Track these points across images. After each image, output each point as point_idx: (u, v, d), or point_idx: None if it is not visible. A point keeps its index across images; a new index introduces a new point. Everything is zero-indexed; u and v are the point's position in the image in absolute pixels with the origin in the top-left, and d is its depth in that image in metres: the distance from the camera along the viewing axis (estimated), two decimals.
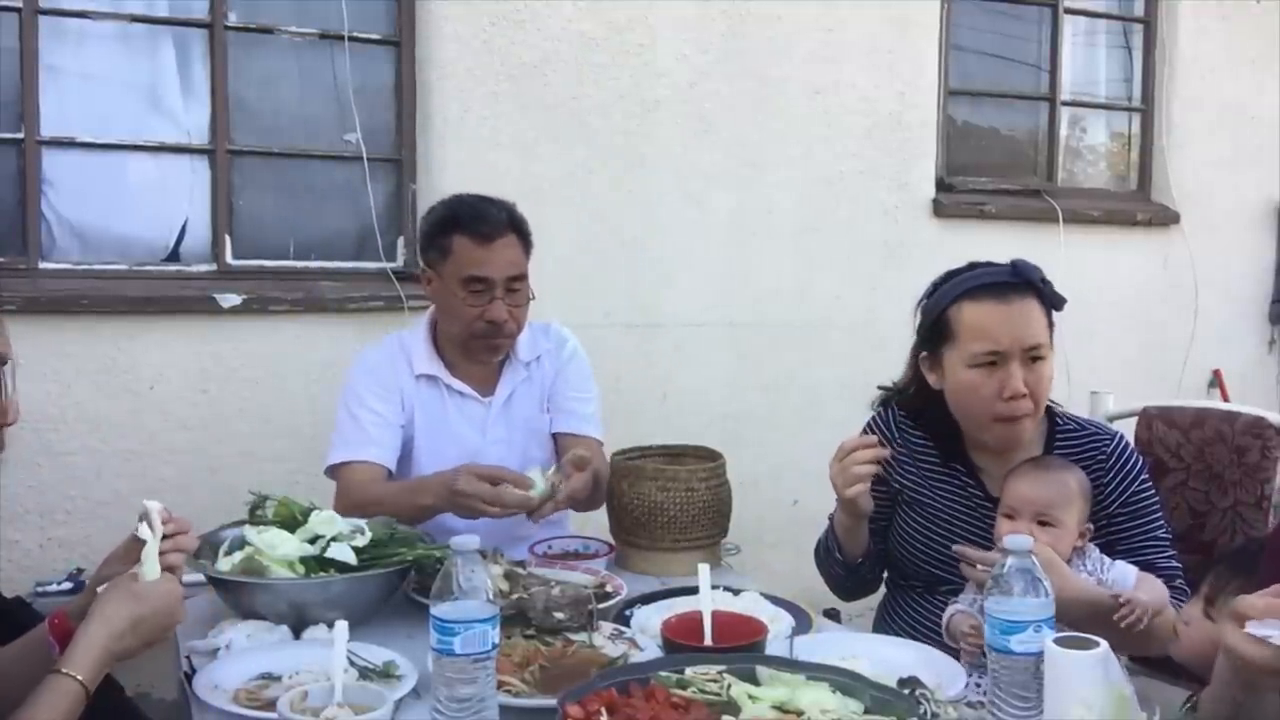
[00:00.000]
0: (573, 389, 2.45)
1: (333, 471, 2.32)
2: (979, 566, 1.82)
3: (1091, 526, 1.86)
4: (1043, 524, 1.79)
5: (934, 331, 1.97)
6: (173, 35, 3.31)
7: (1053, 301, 1.94)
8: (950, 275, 2.01)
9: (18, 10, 3.08)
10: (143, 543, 1.49)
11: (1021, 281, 1.91)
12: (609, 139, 3.67)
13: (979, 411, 1.93)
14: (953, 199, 4.22)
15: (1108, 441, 1.99)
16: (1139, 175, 4.75)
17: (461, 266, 2.26)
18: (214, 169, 3.33)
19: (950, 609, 1.83)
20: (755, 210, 3.90)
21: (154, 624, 1.44)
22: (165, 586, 1.47)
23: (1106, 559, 1.84)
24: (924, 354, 2.01)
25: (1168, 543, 1.96)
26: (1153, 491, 1.99)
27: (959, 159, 4.35)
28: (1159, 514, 1.98)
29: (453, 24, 3.45)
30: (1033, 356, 1.89)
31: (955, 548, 1.90)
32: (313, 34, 3.42)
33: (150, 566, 1.48)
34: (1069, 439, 2.00)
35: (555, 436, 2.42)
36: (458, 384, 2.37)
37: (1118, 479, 1.95)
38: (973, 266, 2.00)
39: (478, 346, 2.33)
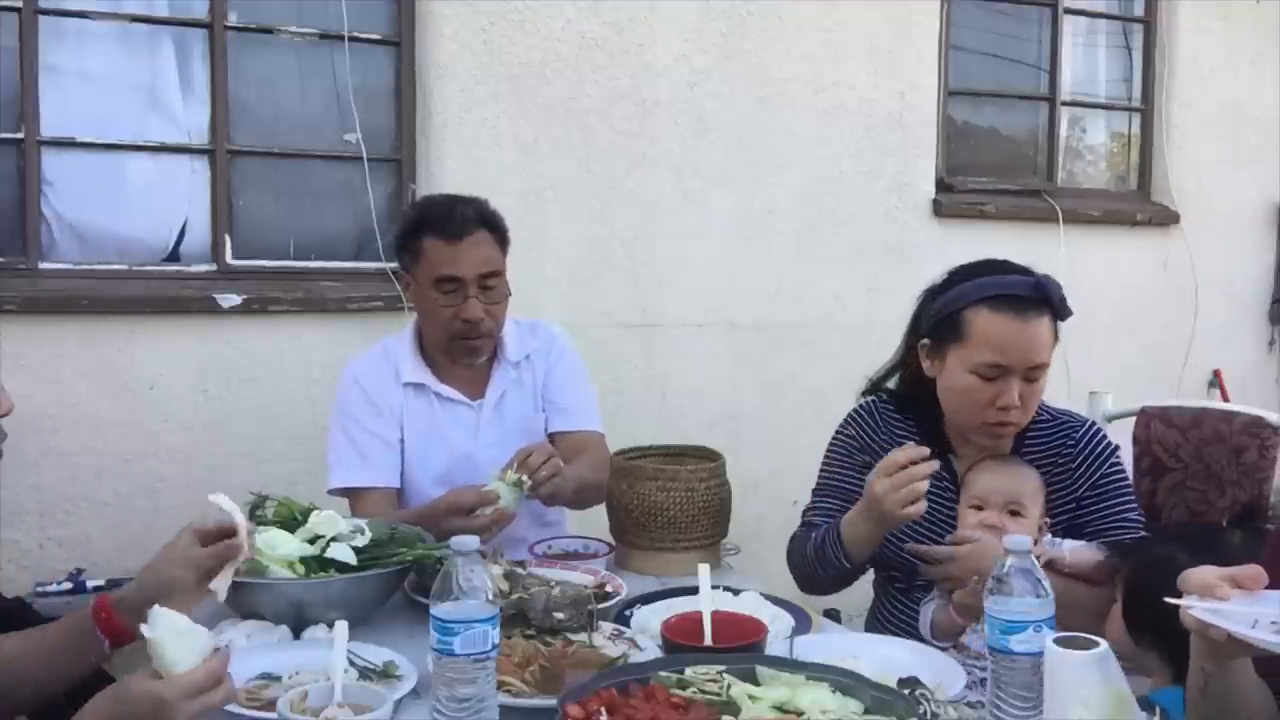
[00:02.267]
0: (564, 385, 2.44)
1: (339, 492, 2.32)
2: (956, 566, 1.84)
3: (1049, 521, 1.89)
4: (1013, 514, 1.84)
5: (943, 325, 1.97)
6: (172, 35, 3.31)
7: (1061, 315, 1.94)
8: (968, 273, 1.99)
9: (18, 10, 3.08)
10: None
11: (1041, 299, 1.91)
12: (609, 139, 3.67)
13: (969, 415, 1.96)
14: (953, 199, 4.22)
15: (1077, 428, 2.02)
16: (1139, 175, 4.75)
17: (432, 267, 2.25)
18: (214, 169, 3.33)
19: (926, 612, 1.85)
20: (755, 210, 3.90)
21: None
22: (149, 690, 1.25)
23: (1057, 540, 1.86)
24: (926, 342, 2.02)
25: (1139, 525, 1.97)
26: (1123, 475, 2.02)
27: (959, 159, 4.35)
28: (1129, 497, 2.00)
29: (453, 24, 3.45)
30: (1033, 376, 1.91)
31: (907, 546, 1.93)
32: (313, 34, 3.42)
33: (173, 655, 1.25)
34: (1042, 428, 2.03)
35: (553, 436, 2.39)
36: (446, 390, 2.36)
37: (1086, 463, 1.99)
38: (991, 267, 1.98)
39: (457, 348, 2.31)
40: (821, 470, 2.15)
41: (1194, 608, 1.22)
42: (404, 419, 2.34)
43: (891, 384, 2.16)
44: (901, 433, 2.08)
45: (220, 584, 1.54)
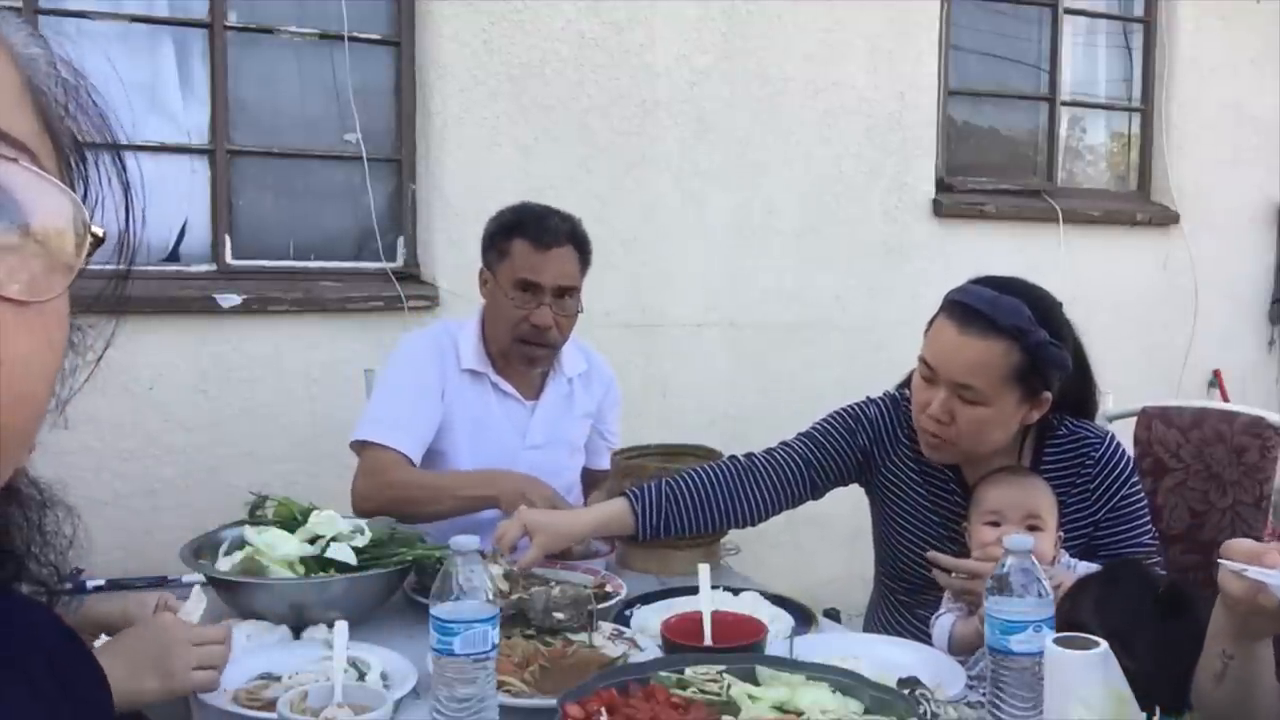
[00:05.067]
0: (614, 429, 2.59)
1: (360, 446, 2.30)
2: (953, 575, 1.80)
3: (1063, 535, 1.83)
4: (1031, 528, 1.76)
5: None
6: (172, 35, 3.31)
7: (1044, 359, 1.80)
8: (984, 280, 1.93)
9: (17, 10, 3.09)
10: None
11: (986, 318, 1.80)
12: (609, 139, 3.67)
13: (915, 414, 1.93)
14: (953, 199, 4.21)
15: (1096, 445, 1.95)
16: (1139, 175, 4.75)
17: (516, 269, 2.31)
18: (214, 169, 3.33)
19: (944, 624, 1.81)
20: (755, 210, 3.90)
21: (144, 652, 1.40)
22: (159, 619, 1.46)
23: (1073, 561, 1.82)
24: None
25: (1153, 549, 1.94)
26: (1141, 496, 1.96)
27: (959, 159, 4.35)
28: (1145, 519, 1.94)
29: (453, 24, 3.45)
30: (965, 396, 1.83)
31: (929, 554, 1.87)
32: (313, 34, 3.42)
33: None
34: (1060, 443, 1.97)
35: (596, 471, 2.56)
36: (504, 383, 2.41)
37: (1105, 483, 1.93)
38: (987, 282, 1.90)
39: (519, 352, 2.36)
40: (821, 420, 2.11)
41: (1248, 570, 1.20)
42: (455, 404, 2.36)
43: None
44: (907, 437, 2.03)
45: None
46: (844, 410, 2.11)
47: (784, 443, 2.11)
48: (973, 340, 1.81)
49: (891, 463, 2.05)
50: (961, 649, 1.74)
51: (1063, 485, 1.91)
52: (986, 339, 1.80)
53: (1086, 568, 1.79)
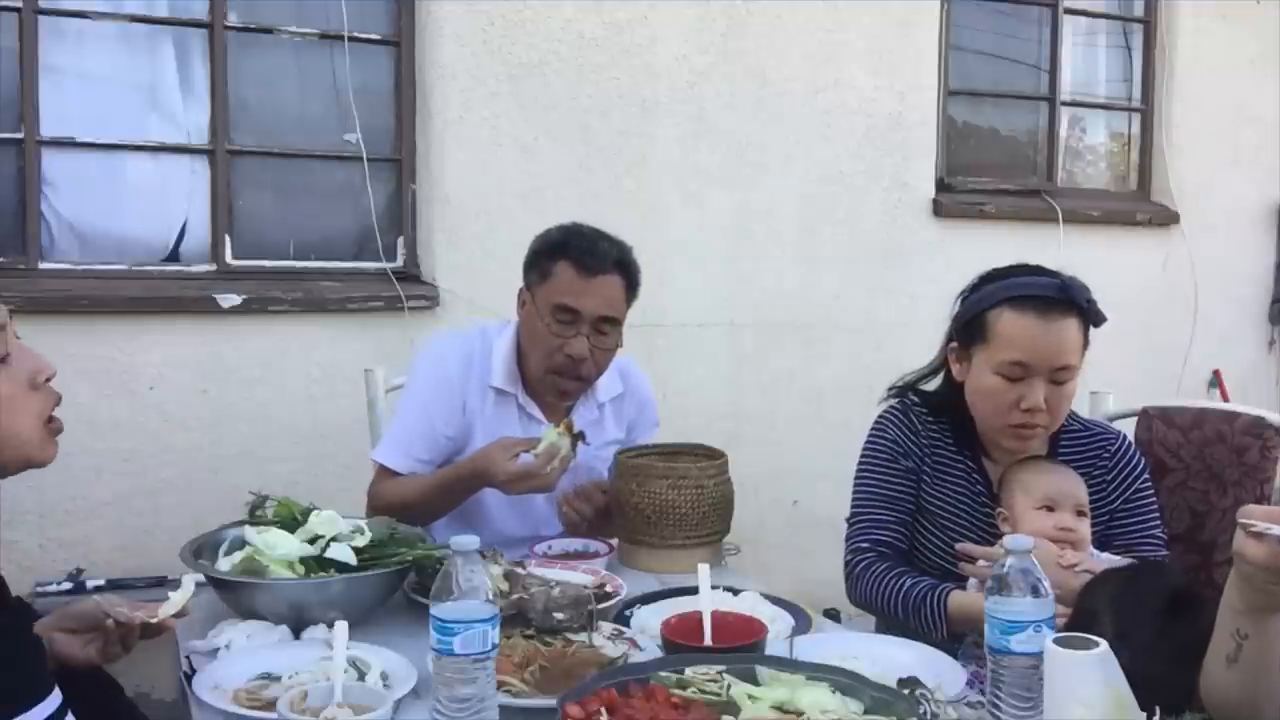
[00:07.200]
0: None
1: (375, 462, 2.34)
2: (980, 563, 1.85)
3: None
4: (1079, 514, 1.87)
5: (969, 327, 1.97)
6: (172, 35, 3.31)
7: (1094, 320, 1.93)
8: (996, 274, 1.98)
9: (17, 10, 3.09)
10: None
11: (1066, 300, 1.89)
12: (609, 139, 3.67)
13: (993, 417, 1.95)
14: (953, 199, 4.22)
15: (1112, 441, 2.04)
16: (1139, 175, 4.75)
17: (556, 292, 2.22)
18: (214, 169, 3.33)
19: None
20: (755, 210, 3.90)
21: None
22: None
23: (1094, 550, 1.89)
24: (954, 345, 2.02)
25: (1162, 542, 2.00)
26: (1152, 491, 2.03)
27: (959, 159, 4.35)
28: (1156, 513, 2.02)
29: (453, 24, 3.45)
30: (1060, 379, 1.90)
31: (959, 546, 1.92)
32: (313, 34, 3.42)
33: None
34: (1075, 438, 2.04)
35: None
36: (531, 405, 2.35)
37: (1120, 476, 2.00)
38: (1024, 270, 1.97)
39: (550, 383, 2.28)
40: (863, 477, 2.09)
41: (1271, 529, 1.17)
42: (475, 418, 2.31)
43: (932, 387, 2.13)
44: (935, 436, 2.06)
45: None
46: (875, 449, 2.09)
47: (871, 521, 2.05)
48: (1057, 322, 1.89)
49: (923, 466, 2.08)
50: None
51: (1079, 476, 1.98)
52: (1067, 318, 1.90)
53: (1109, 559, 1.85)
